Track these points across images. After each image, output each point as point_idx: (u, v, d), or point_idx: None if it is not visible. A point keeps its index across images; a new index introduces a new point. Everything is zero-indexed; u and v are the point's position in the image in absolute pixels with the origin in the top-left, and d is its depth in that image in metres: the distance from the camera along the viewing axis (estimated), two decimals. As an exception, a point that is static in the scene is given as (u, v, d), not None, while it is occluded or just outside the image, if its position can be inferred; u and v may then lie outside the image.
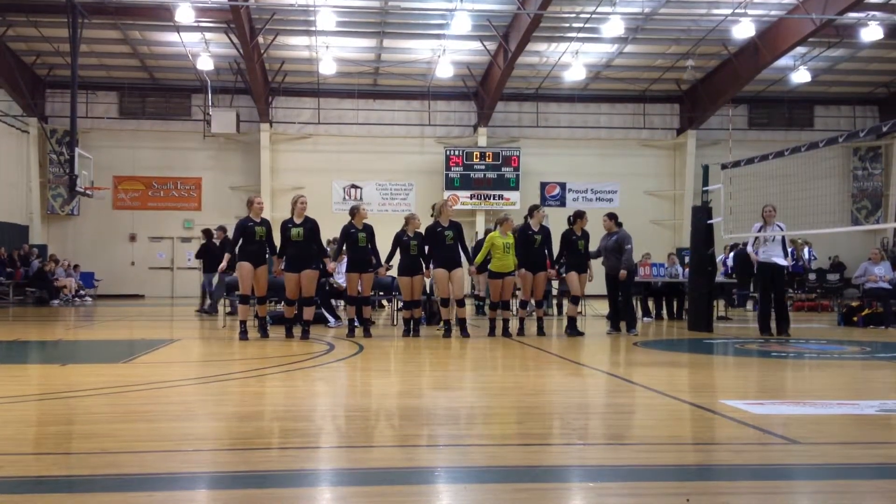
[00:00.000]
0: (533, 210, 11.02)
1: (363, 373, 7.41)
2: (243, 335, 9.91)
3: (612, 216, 11.55)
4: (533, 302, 11.30)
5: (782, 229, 11.32)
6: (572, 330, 10.80)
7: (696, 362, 8.35)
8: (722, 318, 15.16)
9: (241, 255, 10.03)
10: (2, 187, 23.08)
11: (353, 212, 10.53)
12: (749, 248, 11.80)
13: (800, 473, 3.65)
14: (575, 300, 11.08)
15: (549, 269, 11.09)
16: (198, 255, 17.26)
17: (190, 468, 3.67)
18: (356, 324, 10.63)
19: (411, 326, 10.57)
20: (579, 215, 11.10)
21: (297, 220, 10.06)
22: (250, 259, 9.99)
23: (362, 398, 6.06)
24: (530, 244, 10.73)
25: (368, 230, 10.37)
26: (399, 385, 6.66)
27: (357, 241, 10.30)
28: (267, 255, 10.32)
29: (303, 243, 9.97)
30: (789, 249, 11.94)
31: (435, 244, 10.40)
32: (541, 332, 10.82)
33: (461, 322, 10.59)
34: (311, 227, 10.06)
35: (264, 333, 10.32)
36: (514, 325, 11.29)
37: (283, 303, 11.03)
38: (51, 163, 24.93)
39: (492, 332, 10.81)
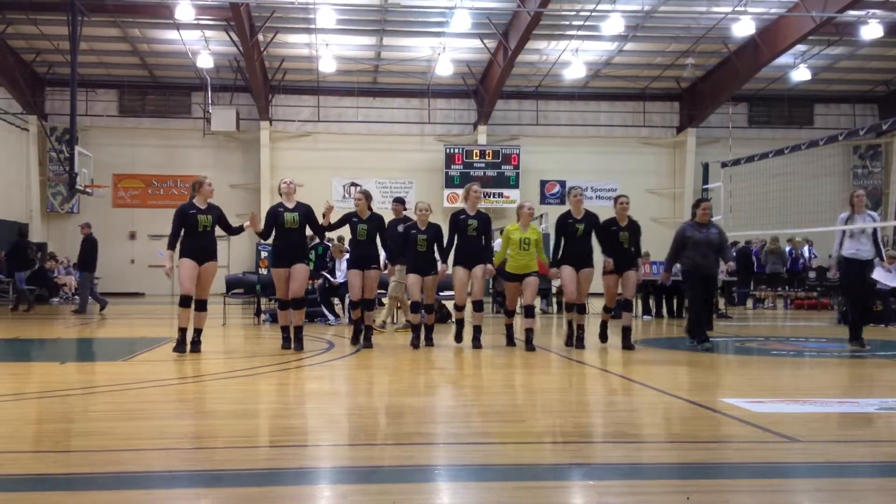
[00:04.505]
0: (569, 193, 9.05)
1: (362, 371, 7.39)
2: (180, 346, 8.09)
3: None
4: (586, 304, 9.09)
5: (875, 220, 9.34)
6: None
7: (697, 361, 8.33)
8: (722, 315, 15.14)
9: (182, 250, 8.13)
10: (1, 185, 23.02)
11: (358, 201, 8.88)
12: (836, 246, 9.28)
13: (800, 471, 3.65)
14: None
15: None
16: (8, 254, 16.70)
17: (188, 466, 3.66)
18: (360, 325, 9.04)
19: (422, 334, 8.91)
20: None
21: (290, 205, 8.40)
22: (191, 254, 8.08)
23: (362, 396, 6.04)
24: (571, 234, 8.75)
25: (375, 221, 8.81)
26: (398, 383, 6.65)
27: (357, 232, 8.75)
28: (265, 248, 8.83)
29: (296, 232, 8.38)
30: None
31: (457, 235, 8.77)
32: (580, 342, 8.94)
33: (476, 330, 8.85)
34: (306, 211, 8.46)
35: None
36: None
37: (274, 302, 9.67)
38: (50, 161, 24.93)
39: (509, 342, 9.00)
